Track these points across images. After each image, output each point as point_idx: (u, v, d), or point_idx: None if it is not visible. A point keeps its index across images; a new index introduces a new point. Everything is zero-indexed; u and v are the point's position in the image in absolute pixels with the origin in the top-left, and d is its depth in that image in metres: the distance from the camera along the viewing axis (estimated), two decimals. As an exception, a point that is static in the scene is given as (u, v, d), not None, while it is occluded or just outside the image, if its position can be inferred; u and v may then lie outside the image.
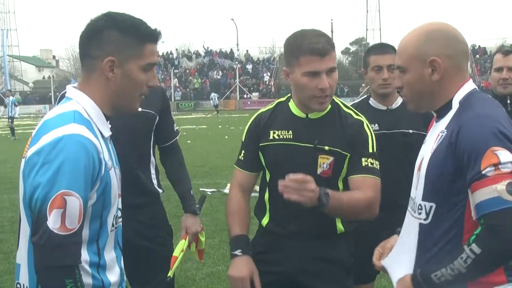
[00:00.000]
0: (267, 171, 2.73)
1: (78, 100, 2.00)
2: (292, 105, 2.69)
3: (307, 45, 2.46)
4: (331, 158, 2.56)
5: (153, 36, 2.04)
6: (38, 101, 53.05)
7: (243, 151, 2.78)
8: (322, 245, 2.64)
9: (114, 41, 1.97)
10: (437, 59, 2.02)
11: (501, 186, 1.82)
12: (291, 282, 2.67)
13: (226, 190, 9.54)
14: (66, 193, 1.79)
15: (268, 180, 2.72)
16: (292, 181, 2.22)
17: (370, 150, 2.59)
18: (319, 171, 2.57)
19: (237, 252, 2.58)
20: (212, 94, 45.62)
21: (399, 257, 2.20)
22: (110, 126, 2.09)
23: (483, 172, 1.84)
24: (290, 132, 2.62)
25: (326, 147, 2.56)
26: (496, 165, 1.83)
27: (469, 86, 2.08)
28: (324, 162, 2.56)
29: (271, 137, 2.66)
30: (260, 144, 2.69)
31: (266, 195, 2.72)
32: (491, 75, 3.87)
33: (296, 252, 2.63)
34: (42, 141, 1.86)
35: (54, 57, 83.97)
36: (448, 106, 2.07)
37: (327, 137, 2.58)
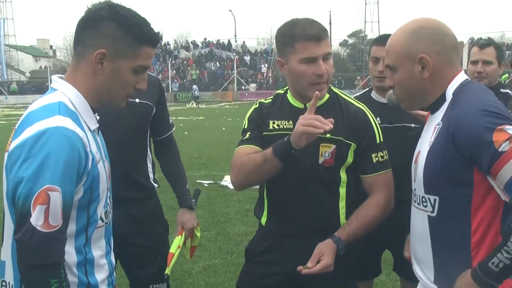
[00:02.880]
0: None
1: (63, 91, 1.92)
2: (290, 96, 2.63)
3: (302, 32, 2.42)
4: (333, 146, 2.50)
5: (153, 39, 1.96)
6: (34, 91, 52.78)
7: (248, 133, 2.63)
8: None
9: (110, 35, 1.89)
10: (426, 56, 2.02)
11: None
12: (293, 283, 2.59)
13: (223, 182, 9.52)
14: (50, 189, 1.71)
15: None
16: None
17: (378, 141, 2.56)
18: (320, 160, 2.50)
19: (285, 139, 2.35)
20: (194, 87, 46.55)
21: (416, 252, 2.17)
22: (98, 118, 2.02)
23: (500, 150, 1.81)
24: (291, 122, 2.55)
25: (328, 135, 2.47)
26: (509, 138, 1.81)
27: (461, 77, 2.08)
28: (326, 151, 2.50)
29: (271, 127, 2.59)
30: (263, 133, 2.61)
31: (265, 191, 2.64)
32: (467, 68, 3.92)
33: (297, 252, 2.54)
34: (25, 134, 1.78)
35: (51, 46, 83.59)
36: (442, 99, 2.06)
37: None
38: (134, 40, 1.91)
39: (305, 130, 2.26)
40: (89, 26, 1.92)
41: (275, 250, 2.61)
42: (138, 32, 1.91)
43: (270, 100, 2.71)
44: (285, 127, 2.56)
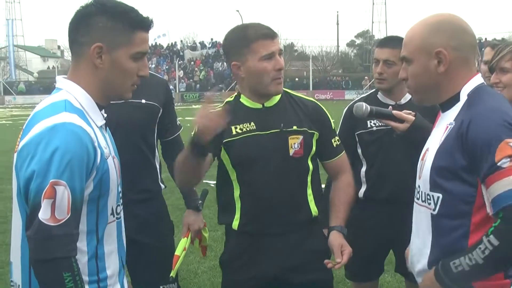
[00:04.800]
0: (233, 170, 2.65)
1: (68, 89, 1.94)
2: (244, 99, 2.67)
3: (256, 32, 2.55)
4: (301, 137, 2.60)
5: (144, 23, 1.98)
6: (42, 91, 52.82)
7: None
8: (302, 236, 2.61)
9: (102, 27, 1.92)
10: (443, 51, 1.99)
11: None
12: (275, 281, 2.64)
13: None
14: (55, 183, 1.73)
15: (237, 177, 2.64)
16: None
17: (333, 127, 2.73)
18: (291, 152, 2.59)
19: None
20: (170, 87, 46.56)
21: (416, 250, 2.17)
22: (105, 115, 2.04)
23: (498, 164, 1.81)
24: (253, 123, 2.61)
25: (294, 127, 2.59)
26: (511, 156, 1.80)
27: (478, 79, 2.06)
28: (295, 142, 2.59)
29: (234, 133, 2.62)
30: (224, 141, 2.62)
31: (237, 193, 2.64)
32: (479, 68, 3.96)
33: (276, 250, 2.59)
34: (32, 131, 1.81)
35: (59, 47, 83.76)
36: (455, 98, 2.04)
37: (291, 118, 2.61)
38: (126, 28, 1.94)
39: (195, 132, 2.31)
40: (80, 24, 1.94)
41: (253, 253, 2.63)
42: (128, 19, 1.94)
43: (220, 107, 2.73)
44: (248, 129, 2.61)
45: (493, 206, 1.84)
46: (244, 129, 2.61)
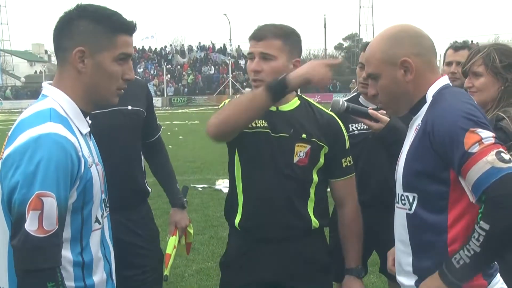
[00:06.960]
0: (239, 164, 2.66)
1: (53, 97, 1.95)
2: None
3: (252, 32, 2.58)
4: (308, 146, 2.58)
5: (127, 27, 1.99)
6: (29, 96, 52.46)
7: None
8: (300, 246, 2.61)
9: (84, 31, 1.92)
10: (407, 59, 2.07)
11: (491, 156, 1.85)
12: None
13: (217, 186, 9.54)
14: (42, 194, 1.74)
15: (241, 172, 2.66)
16: None
17: (347, 147, 2.68)
18: (295, 159, 2.57)
19: (282, 77, 2.45)
20: None
21: (399, 252, 2.20)
22: (90, 122, 2.04)
23: (469, 151, 1.87)
24: (265, 122, 2.61)
25: (304, 135, 2.58)
26: (479, 141, 1.87)
27: (443, 81, 2.13)
28: (301, 151, 2.58)
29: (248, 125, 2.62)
30: None
31: (240, 189, 2.65)
32: (443, 69, 4.05)
33: (275, 257, 2.59)
34: (18, 141, 1.81)
35: (46, 51, 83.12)
36: (423, 101, 2.11)
37: (302, 127, 2.60)
38: (107, 31, 1.95)
39: (304, 74, 2.42)
40: (63, 30, 1.96)
41: (252, 258, 2.63)
42: (109, 22, 1.95)
43: None
44: (261, 125, 2.61)
45: (474, 193, 1.88)
46: (258, 125, 2.61)
